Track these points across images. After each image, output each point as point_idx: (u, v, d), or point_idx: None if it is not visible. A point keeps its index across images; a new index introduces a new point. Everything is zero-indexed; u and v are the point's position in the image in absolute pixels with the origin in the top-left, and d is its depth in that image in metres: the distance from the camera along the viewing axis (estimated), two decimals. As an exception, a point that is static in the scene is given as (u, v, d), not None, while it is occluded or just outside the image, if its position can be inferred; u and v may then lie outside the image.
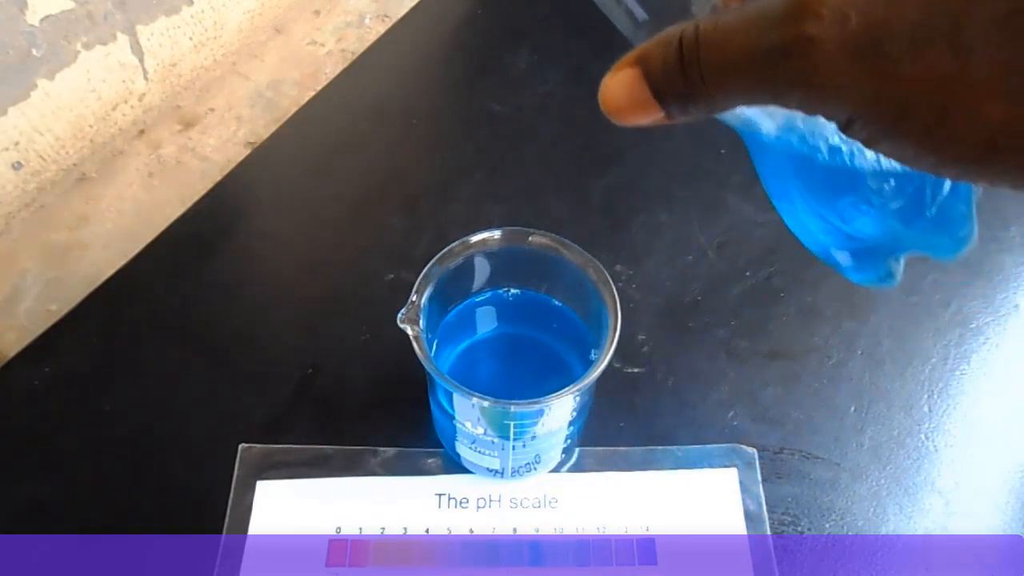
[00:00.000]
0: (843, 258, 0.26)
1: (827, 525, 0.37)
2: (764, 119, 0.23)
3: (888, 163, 0.22)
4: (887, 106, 0.17)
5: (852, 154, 0.22)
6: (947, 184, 0.23)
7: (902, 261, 0.26)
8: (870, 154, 0.22)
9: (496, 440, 0.34)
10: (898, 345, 0.43)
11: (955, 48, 0.16)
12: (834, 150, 0.23)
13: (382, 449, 0.39)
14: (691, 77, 0.19)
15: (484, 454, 0.35)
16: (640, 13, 0.23)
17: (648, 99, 0.21)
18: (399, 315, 0.32)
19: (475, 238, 0.35)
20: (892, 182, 0.23)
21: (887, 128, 0.18)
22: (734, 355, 0.43)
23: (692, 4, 0.22)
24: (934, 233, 0.24)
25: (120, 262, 0.45)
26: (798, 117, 0.22)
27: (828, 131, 0.21)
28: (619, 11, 0.24)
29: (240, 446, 0.38)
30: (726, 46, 0.19)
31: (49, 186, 0.49)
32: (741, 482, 0.38)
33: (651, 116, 0.21)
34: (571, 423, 0.35)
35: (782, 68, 0.18)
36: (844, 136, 0.19)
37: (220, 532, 0.36)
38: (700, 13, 0.22)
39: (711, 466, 0.39)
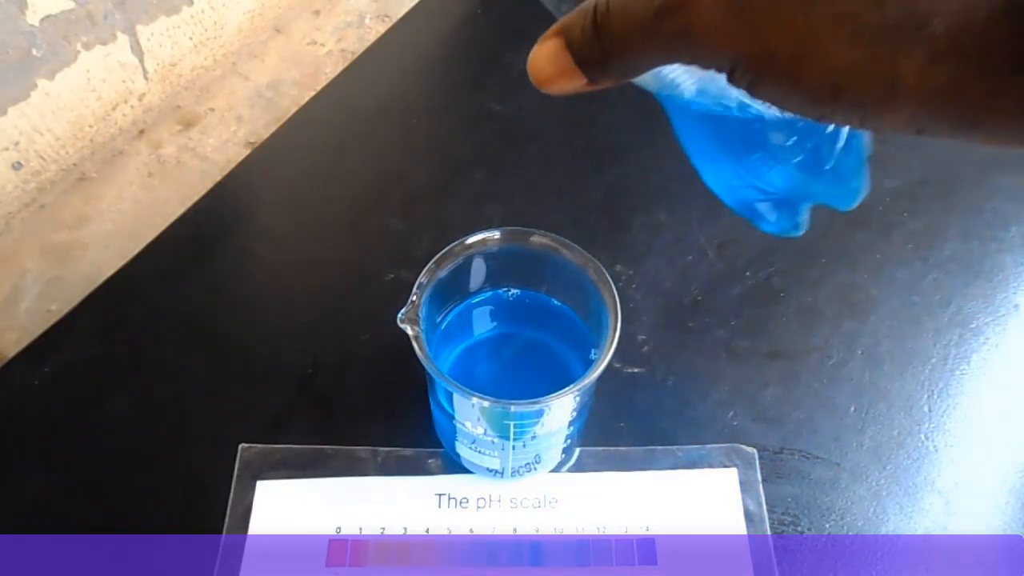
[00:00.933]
0: (758, 209, 0.29)
1: (827, 525, 0.37)
2: (680, 83, 0.25)
3: (785, 119, 0.25)
4: (755, 54, 0.19)
5: (759, 114, 0.25)
6: (841, 141, 0.25)
7: (806, 213, 0.29)
8: (770, 113, 0.25)
9: (496, 440, 0.34)
10: (898, 345, 0.43)
11: (803, 1, 0.19)
12: (742, 109, 0.25)
13: (382, 449, 0.39)
14: (604, 43, 0.21)
15: (484, 454, 0.35)
16: None
17: (571, 67, 0.22)
18: (399, 315, 0.32)
19: (475, 238, 0.35)
20: (794, 138, 0.25)
21: (758, 74, 0.20)
22: (734, 355, 0.43)
23: None
24: (833, 184, 0.26)
25: (120, 262, 0.45)
26: (710, 80, 0.24)
27: (733, 93, 0.23)
28: None
29: (240, 446, 0.38)
30: (628, 10, 0.21)
31: (49, 186, 0.49)
32: (741, 482, 0.38)
33: (575, 83, 0.23)
34: (571, 423, 0.35)
35: (669, 24, 0.20)
36: (731, 86, 0.21)
37: (220, 532, 0.36)
38: None
39: (711, 466, 0.39)
